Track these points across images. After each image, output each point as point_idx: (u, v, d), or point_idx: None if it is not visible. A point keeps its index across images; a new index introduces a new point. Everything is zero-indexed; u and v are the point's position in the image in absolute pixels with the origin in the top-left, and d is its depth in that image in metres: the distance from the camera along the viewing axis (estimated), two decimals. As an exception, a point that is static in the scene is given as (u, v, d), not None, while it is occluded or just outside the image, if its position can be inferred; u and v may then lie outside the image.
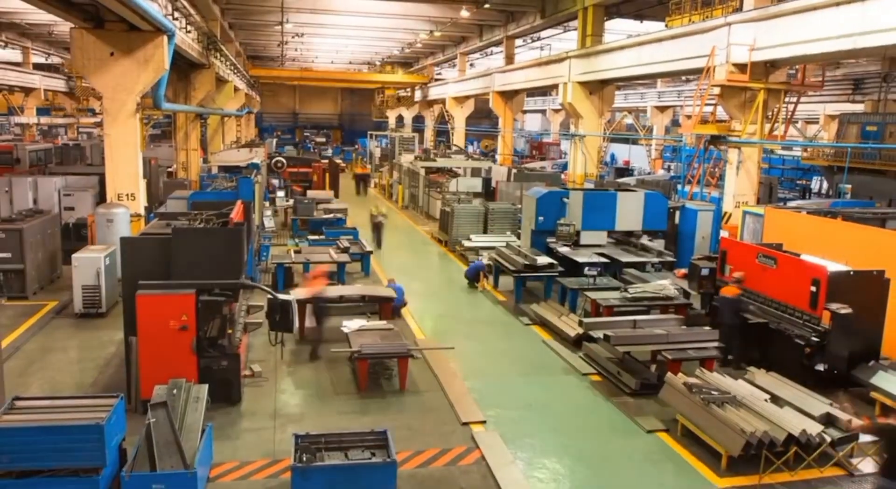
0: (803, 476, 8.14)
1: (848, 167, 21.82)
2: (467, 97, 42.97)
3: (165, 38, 15.69)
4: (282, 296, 9.68)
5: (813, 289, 10.64)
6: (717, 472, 8.22)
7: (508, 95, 36.48)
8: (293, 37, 41.84)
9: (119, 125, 15.97)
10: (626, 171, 41.24)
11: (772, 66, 17.59)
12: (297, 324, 9.91)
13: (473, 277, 16.88)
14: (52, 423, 6.65)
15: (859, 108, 29.84)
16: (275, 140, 54.04)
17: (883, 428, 7.10)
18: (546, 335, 13.37)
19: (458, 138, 44.67)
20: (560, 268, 15.39)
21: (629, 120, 56.66)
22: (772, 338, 11.26)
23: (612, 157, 51.07)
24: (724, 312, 11.66)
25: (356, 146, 57.97)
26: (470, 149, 46.73)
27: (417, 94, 53.76)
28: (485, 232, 21.07)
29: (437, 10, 32.43)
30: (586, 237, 16.33)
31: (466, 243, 19.97)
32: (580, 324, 12.39)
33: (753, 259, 12.01)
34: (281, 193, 27.51)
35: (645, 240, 16.63)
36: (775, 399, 9.27)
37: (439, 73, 53.97)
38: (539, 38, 37.81)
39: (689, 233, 17.42)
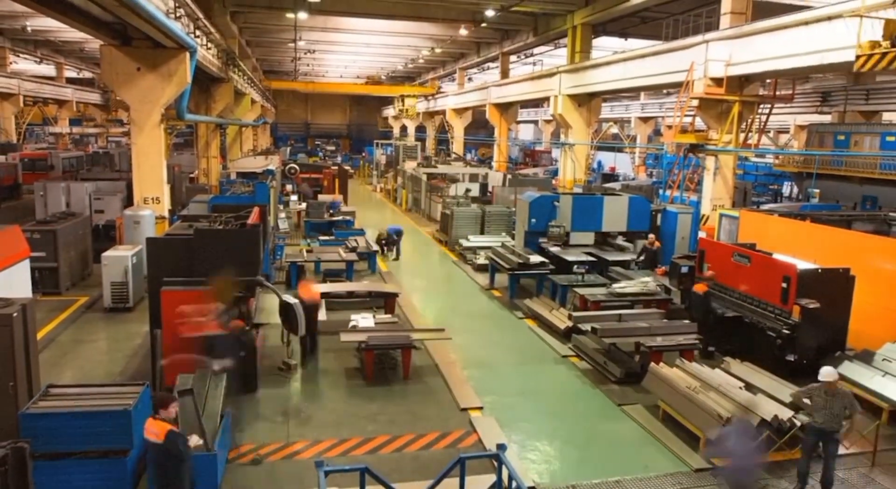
0: (775, 457, 8.11)
1: (816, 173, 21.83)
2: (466, 109, 42.95)
3: (188, 54, 15.69)
4: (286, 298, 9.60)
5: (784, 285, 10.63)
6: (696, 453, 8.22)
7: (504, 107, 36.46)
8: (306, 53, 41.86)
9: (145, 134, 15.97)
10: (611, 176, 41.22)
11: (746, 80, 17.58)
12: (303, 324, 9.80)
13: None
14: (83, 409, 6.66)
15: (827, 118, 29.83)
16: (288, 148, 54.02)
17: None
18: (538, 328, 13.37)
19: (458, 147, 44.64)
20: (551, 267, 15.37)
21: (615, 130, 56.62)
22: (746, 331, 11.25)
23: (599, 163, 51.04)
24: (694, 307, 11.73)
25: (363, 154, 57.96)
26: (468, 156, 46.70)
27: (420, 106, 52.62)
28: (482, 233, 21.06)
29: (439, 28, 32.43)
30: (575, 238, 16.32)
31: (465, 243, 19.96)
32: (570, 317, 12.39)
33: (729, 258, 12.00)
34: (294, 197, 27.49)
35: (620, 240, 16.57)
36: (749, 387, 9.26)
37: (440, 87, 53.99)
38: (532, 55, 37.83)
39: (670, 233, 17.42)
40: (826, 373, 7.35)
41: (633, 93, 41.42)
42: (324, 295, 13.45)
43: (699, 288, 11.73)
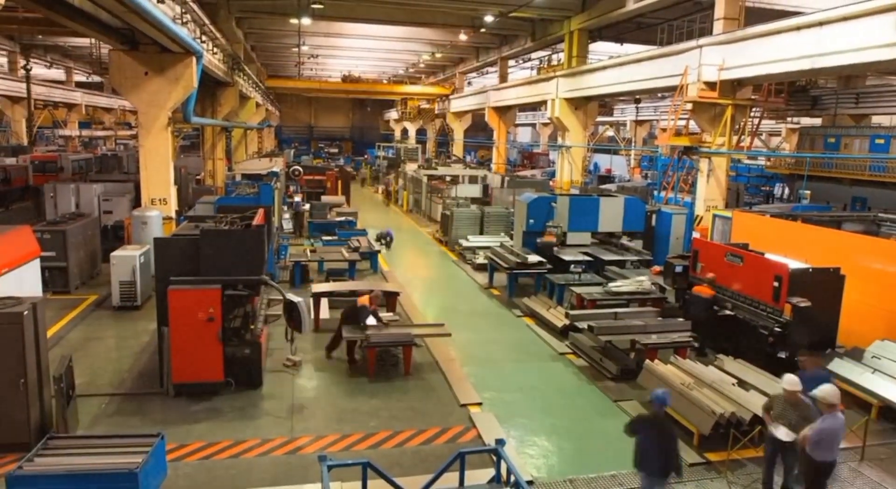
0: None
1: (807, 175, 21.82)
2: (465, 112, 42.96)
3: (194, 59, 15.69)
4: (290, 297, 9.60)
5: (776, 284, 10.62)
6: (690, 448, 8.22)
7: (502, 110, 36.46)
8: (309, 57, 41.85)
9: (152, 137, 15.98)
10: (607, 178, 41.19)
11: (739, 83, 17.59)
12: (307, 323, 9.77)
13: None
14: (84, 470, 5.80)
15: (817, 121, 29.79)
16: (293, 150, 53.98)
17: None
18: (536, 326, 13.37)
19: (458, 149, 44.66)
20: (549, 266, 15.38)
21: (611, 132, 56.61)
22: (739, 329, 11.25)
23: (596, 165, 50.97)
24: (695, 309, 11.60)
25: (365, 156, 57.91)
26: (468, 158, 46.66)
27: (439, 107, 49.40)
28: (481, 233, 21.06)
29: (438, 33, 32.47)
30: (572, 238, 16.31)
31: (464, 243, 19.96)
32: (567, 315, 12.39)
33: (722, 257, 12.00)
34: (298, 198, 27.42)
35: (624, 240, 16.61)
36: (742, 383, 9.27)
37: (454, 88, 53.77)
38: (530, 59, 37.82)
39: (665, 234, 17.42)
40: (788, 381, 7.01)
41: (628, 96, 41.42)
42: (326, 294, 13.49)
43: (704, 291, 11.60)
